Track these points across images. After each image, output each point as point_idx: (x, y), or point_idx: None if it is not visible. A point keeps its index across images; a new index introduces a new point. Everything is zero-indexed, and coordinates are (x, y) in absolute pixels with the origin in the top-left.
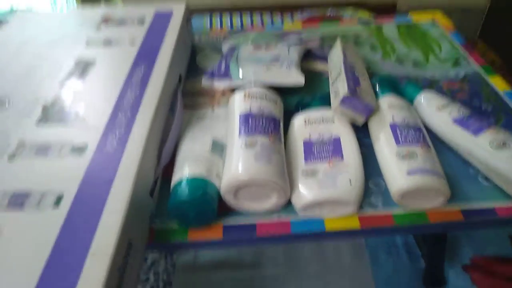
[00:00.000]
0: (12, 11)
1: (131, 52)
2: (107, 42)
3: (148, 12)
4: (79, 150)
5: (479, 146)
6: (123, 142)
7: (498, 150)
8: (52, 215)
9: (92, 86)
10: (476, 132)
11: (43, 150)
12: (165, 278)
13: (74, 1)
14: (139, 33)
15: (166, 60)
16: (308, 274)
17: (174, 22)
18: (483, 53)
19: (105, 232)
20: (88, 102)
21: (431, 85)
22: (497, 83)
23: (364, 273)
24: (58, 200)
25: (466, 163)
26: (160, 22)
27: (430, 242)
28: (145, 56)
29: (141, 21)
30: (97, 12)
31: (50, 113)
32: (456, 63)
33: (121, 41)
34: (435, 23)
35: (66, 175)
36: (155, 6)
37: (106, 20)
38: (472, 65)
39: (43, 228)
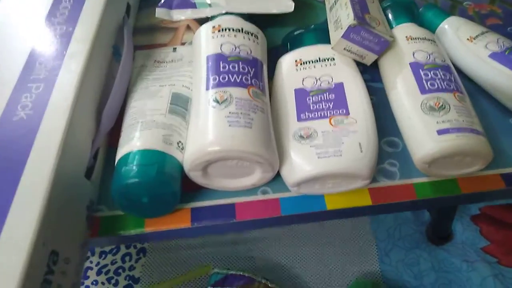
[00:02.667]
0: None
1: None
2: None
3: None
4: None
5: None
6: (42, 103)
7: None
8: None
9: None
10: None
11: None
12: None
13: None
14: None
15: None
16: (306, 234)
17: None
18: None
19: (10, 243)
20: None
21: (452, 8)
22: None
23: (364, 229)
24: None
25: (506, 112)
26: None
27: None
28: None
29: None
30: None
31: None
32: None
33: None
34: None
35: None
36: None
37: None
38: None
39: None
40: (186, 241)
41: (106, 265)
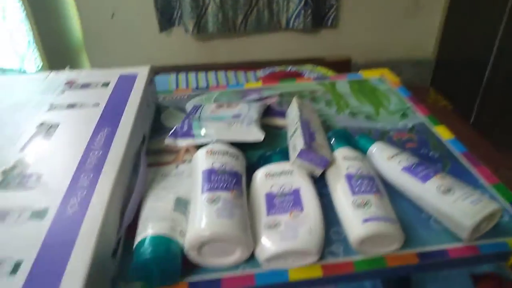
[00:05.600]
0: None
1: (95, 115)
2: (71, 105)
3: (113, 75)
4: (39, 214)
5: (427, 192)
6: (85, 204)
7: (444, 195)
8: (6, 284)
9: (55, 150)
10: (424, 179)
11: (0, 216)
12: None
13: (41, 62)
14: (103, 95)
15: (129, 122)
16: None
17: (138, 84)
18: (435, 99)
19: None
20: (50, 166)
21: (382, 136)
22: (442, 132)
23: None
24: (16, 268)
25: (418, 208)
26: (124, 84)
27: (394, 285)
28: (109, 118)
29: (105, 84)
30: (61, 76)
31: (10, 178)
32: (404, 115)
33: (85, 104)
34: (383, 79)
35: (25, 241)
36: (121, 70)
37: (70, 84)
38: (418, 116)
39: None
40: None
41: None
